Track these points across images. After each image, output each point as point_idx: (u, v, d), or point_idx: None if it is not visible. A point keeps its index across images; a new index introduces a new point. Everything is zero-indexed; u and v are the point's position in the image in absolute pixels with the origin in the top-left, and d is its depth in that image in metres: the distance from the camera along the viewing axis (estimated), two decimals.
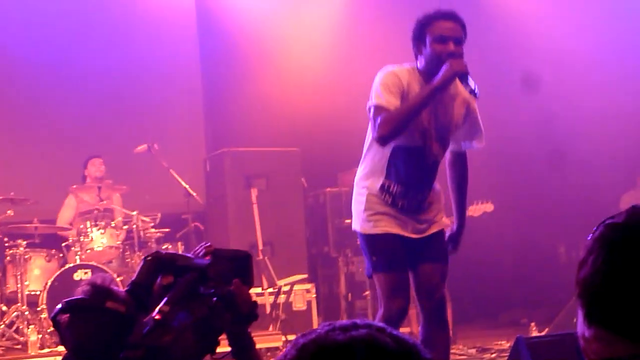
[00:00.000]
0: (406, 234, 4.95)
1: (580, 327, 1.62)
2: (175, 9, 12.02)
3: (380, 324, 1.33)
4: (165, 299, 2.75)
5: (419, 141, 4.89)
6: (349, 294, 10.23)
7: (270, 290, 9.62)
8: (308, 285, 10.05)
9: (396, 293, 4.92)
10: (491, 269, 10.96)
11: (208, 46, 11.93)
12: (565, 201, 10.61)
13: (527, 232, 10.65)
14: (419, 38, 4.90)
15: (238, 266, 2.94)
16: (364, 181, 5.02)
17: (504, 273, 11.17)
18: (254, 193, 10.04)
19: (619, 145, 10.75)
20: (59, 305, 2.94)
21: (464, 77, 4.72)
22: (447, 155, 5.18)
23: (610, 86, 10.98)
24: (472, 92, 4.73)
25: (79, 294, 2.95)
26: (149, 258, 2.89)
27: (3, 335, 8.73)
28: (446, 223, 5.20)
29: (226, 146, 10.59)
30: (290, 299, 9.75)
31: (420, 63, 4.91)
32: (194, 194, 9.67)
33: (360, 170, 5.10)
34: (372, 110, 4.80)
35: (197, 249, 3.03)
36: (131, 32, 11.65)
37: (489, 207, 9.18)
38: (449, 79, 4.74)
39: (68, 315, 2.90)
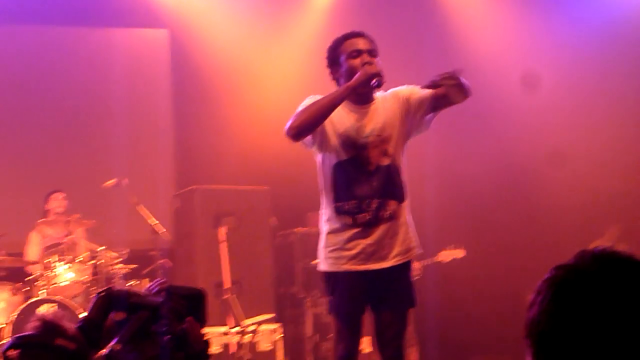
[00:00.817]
0: (368, 267, 4.89)
1: None
2: (149, 44, 12.05)
3: None
4: (117, 337, 2.72)
5: (351, 152, 4.92)
6: (316, 335, 10.18)
7: (237, 329, 9.55)
8: (274, 325, 9.99)
9: (343, 337, 4.91)
10: (461, 314, 10.94)
11: (181, 82, 11.93)
12: (535, 248, 10.62)
13: (499, 278, 10.65)
14: (333, 61, 5.07)
15: (192, 304, 2.91)
16: (325, 220, 5.04)
17: (475, 318, 11.16)
18: (222, 231, 9.99)
19: (587, 194, 10.79)
20: (9, 340, 2.91)
21: (377, 77, 4.82)
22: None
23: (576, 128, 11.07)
24: (376, 82, 4.83)
25: (29, 329, 2.92)
26: (102, 294, 2.86)
27: None
28: (415, 259, 5.17)
29: (196, 183, 10.57)
30: (256, 339, 9.68)
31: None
32: (163, 230, 9.62)
33: (320, 210, 5.13)
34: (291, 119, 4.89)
35: (151, 285, 3.00)
36: (103, 66, 11.64)
37: (459, 253, 9.20)
38: (362, 81, 4.82)
39: (18, 350, 2.86)
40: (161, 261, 9.65)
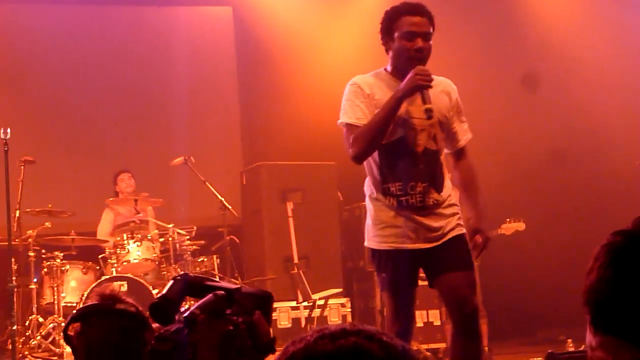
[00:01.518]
0: (417, 246, 4.78)
1: (588, 336, 1.60)
2: (213, 23, 12.11)
3: (373, 330, 1.32)
4: (196, 305, 2.75)
5: (400, 133, 4.78)
6: (384, 309, 10.17)
7: (305, 304, 9.61)
8: (343, 300, 10.03)
9: (397, 314, 4.82)
10: (529, 286, 10.86)
11: (245, 60, 11.98)
12: (594, 217, 10.49)
13: (565, 249, 10.55)
14: (387, 33, 4.88)
15: (260, 303, 2.92)
16: (369, 194, 4.93)
17: (542, 290, 11.07)
18: (289, 206, 10.04)
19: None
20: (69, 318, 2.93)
21: (423, 91, 4.70)
22: (449, 160, 5.07)
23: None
24: (426, 110, 4.70)
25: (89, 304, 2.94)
26: (178, 278, 2.88)
27: (39, 347, 8.78)
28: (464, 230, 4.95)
29: (262, 160, 10.62)
30: (325, 313, 9.74)
31: (390, 59, 4.89)
32: (230, 207, 9.69)
33: (365, 185, 5.02)
34: (342, 128, 4.85)
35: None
36: (168, 45, 11.74)
37: (520, 225, 9.12)
38: (410, 90, 4.67)
39: (79, 323, 2.88)
40: (229, 237, 9.72)
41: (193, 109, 11.67)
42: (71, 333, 2.89)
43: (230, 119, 12.04)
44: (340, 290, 10.00)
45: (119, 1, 11.79)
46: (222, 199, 9.61)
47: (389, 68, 4.90)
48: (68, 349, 8.48)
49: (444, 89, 4.95)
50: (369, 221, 4.92)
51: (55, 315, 8.90)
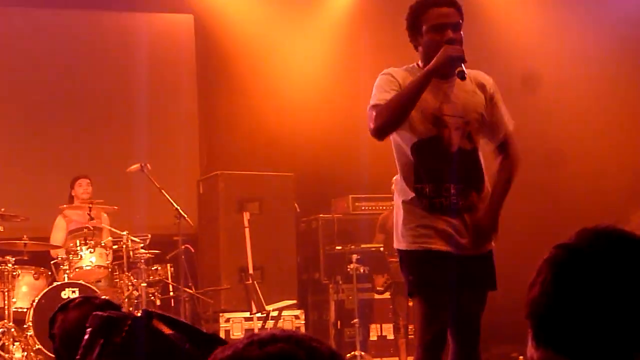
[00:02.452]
0: (449, 249, 4.58)
1: (529, 350, 1.59)
2: (174, 30, 12.07)
3: (303, 336, 1.30)
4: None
5: (432, 130, 4.59)
6: (338, 322, 10.17)
7: (259, 315, 9.56)
8: (297, 311, 10.01)
9: (433, 318, 4.59)
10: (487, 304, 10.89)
11: (206, 68, 11.95)
12: (558, 236, 10.53)
13: (518, 263, 10.58)
14: (414, 28, 4.65)
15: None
16: (400, 194, 4.71)
17: (495, 306, 11.07)
18: (246, 216, 9.99)
19: (611, 180, 10.71)
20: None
21: (459, 61, 4.47)
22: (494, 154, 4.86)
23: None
24: (459, 73, 4.48)
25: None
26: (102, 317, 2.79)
27: None
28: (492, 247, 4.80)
29: (220, 169, 10.57)
30: (279, 325, 9.69)
31: (420, 56, 4.68)
32: (185, 216, 9.62)
33: (395, 185, 4.82)
34: (369, 111, 4.57)
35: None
36: (129, 52, 11.66)
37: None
38: (442, 63, 4.45)
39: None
40: (184, 246, 9.65)
41: (152, 116, 11.60)
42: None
43: (189, 128, 11.98)
44: (294, 301, 9.97)
45: (79, 5, 11.69)
46: (178, 207, 9.53)
47: (420, 64, 4.68)
48: (17, 355, 8.39)
49: (477, 82, 4.74)
50: (398, 221, 4.71)
51: (5, 321, 8.77)
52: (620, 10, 11.15)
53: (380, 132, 4.52)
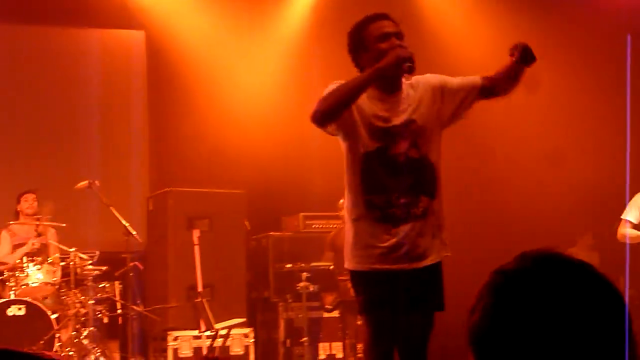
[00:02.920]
0: (398, 267, 4.60)
1: None
2: (125, 45, 12.00)
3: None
4: None
5: (379, 142, 4.64)
6: (287, 340, 10.14)
7: (208, 333, 9.50)
8: (246, 330, 9.96)
9: (380, 338, 4.64)
10: (440, 321, 10.90)
11: (156, 85, 11.89)
12: (507, 256, 10.60)
13: (469, 286, 10.64)
14: (358, 47, 4.73)
15: None
16: (352, 214, 4.73)
17: (446, 327, 11.12)
18: (195, 234, 9.94)
19: (560, 201, 10.80)
20: None
21: (407, 61, 4.53)
22: (488, 86, 4.86)
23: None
24: (409, 68, 4.53)
25: None
26: None
27: None
28: (447, 254, 4.82)
29: (170, 185, 10.50)
30: (228, 343, 9.65)
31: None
32: (134, 233, 9.55)
33: (345, 202, 4.83)
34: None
35: None
36: (80, 67, 11.59)
37: None
38: (392, 64, 4.52)
39: None
40: (132, 263, 9.58)
41: (102, 132, 11.53)
42: None
43: (139, 144, 11.91)
44: (243, 320, 9.93)
45: (29, 21, 11.59)
46: (127, 224, 9.47)
47: None
48: None
49: (423, 87, 4.77)
50: (348, 241, 4.73)
51: None
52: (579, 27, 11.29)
53: (321, 115, 4.56)
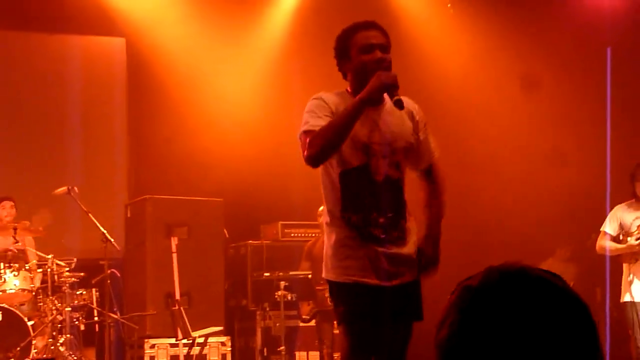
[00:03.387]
0: (378, 283, 4.58)
1: None
2: (105, 52, 11.98)
3: None
4: None
5: (361, 159, 4.58)
6: (265, 349, 10.14)
7: (185, 341, 9.48)
8: (223, 338, 9.95)
9: (358, 349, 4.59)
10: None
11: (136, 92, 11.87)
12: (480, 268, 10.61)
13: (446, 295, 10.66)
14: (343, 54, 4.69)
15: None
16: (332, 229, 4.68)
17: (423, 336, 11.13)
18: (174, 242, 9.91)
19: (538, 212, 10.83)
20: None
21: (392, 88, 4.49)
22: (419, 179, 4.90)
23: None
24: (396, 102, 4.50)
25: None
26: None
27: None
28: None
29: (149, 193, 10.49)
30: (205, 351, 9.63)
31: (350, 82, 4.69)
32: (112, 240, 9.53)
33: (324, 215, 4.80)
34: (300, 136, 4.54)
35: None
36: (60, 73, 11.56)
37: None
38: (377, 90, 4.48)
39: None
40: (110, 271, 9.56)
41: (81, 139, 11.49)
42: None
43: (118, 151, 11.88)
44: (221, 328, 9.91)
45: (11, 27, 11.55)
46: (104, 231, 9.44)
47: (350, 89, 4.68)
48: None
49: (406, 110, 4.71)
50: (328, 252, 4.69)
51: None
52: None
53: (315, 160, 4.49)
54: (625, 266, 8.07)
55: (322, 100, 4.61)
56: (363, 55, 4.59)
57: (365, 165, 4.60)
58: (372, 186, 4.61)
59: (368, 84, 4.49)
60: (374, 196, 4.61)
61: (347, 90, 4.70)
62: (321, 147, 4.44)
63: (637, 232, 7.87)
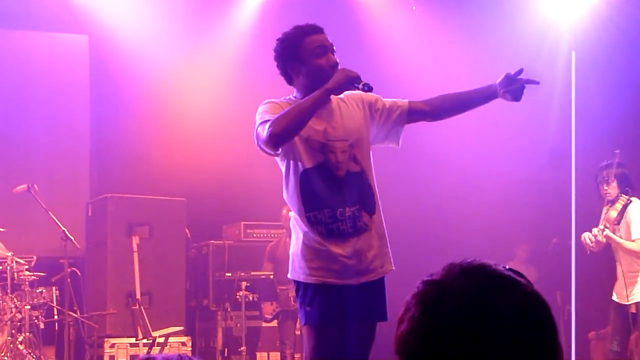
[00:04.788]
0: (346, 282, 4.60)
1: None
2: (68, 50, 11.88)
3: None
4: None
5: (319, 157, 4.61)
6: (226, 349, 10.12)
7: (145, 340, 9.44)
8: (184, 338, 9.92)
9: (323, 350, 4.60)
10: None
11: (99, 90, 11.79)
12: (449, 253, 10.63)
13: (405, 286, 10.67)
14: (291, 57, 4.69)
15: None
16: (298, 228, 4.70)
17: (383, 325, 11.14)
18: (135, 241, 9.87)
19: (497, 214, 10.88)
20: None
21: (356, 80, 4.54)
22: (428, 110, 4.87)
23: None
24: (365, 86, 4.52)
25: None
26: None
27: None
28: (391, 269, 4.80)
29: (111, 192, 10.42)
30: (165, 351, 9.57)
31: (298, 88, 4.72)
32: (72, 238, 9.45)
33: (290, 215, 4.81)
34: (257, 130, 4.55)
35: None
36: (22, 71, 11.45)
37: None
38: (341, 82, 4.53)
39: None
40: (70, 269, 9.48)
41: (42, 136, 11.38)
42: None
43: (80, 149, 11.78)
44: (181, 328, 9.88)
45: None
46: (65, 229, 9.37)
47: (297, 95, 4.70)
48: None
49: (353, 101, 4.78)
50: (296, 252, 4.70)
51: None
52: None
53: (277, 138, 4.47)
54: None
55: (273, 103, 4.64)
56: (317, 59, 4.63)
57: (325, 162, 4.62)
58: (335, 182, 4.63)
59: (333, 77, 4.53)
60: (338, 191, 4.63)
61: (292, 96, 4.74)
62: (284, 126, 4.43)
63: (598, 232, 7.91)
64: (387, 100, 4.87)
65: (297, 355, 9.51)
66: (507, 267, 1.67)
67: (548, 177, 10.29)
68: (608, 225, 7.85)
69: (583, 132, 9.25)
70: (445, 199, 11.09)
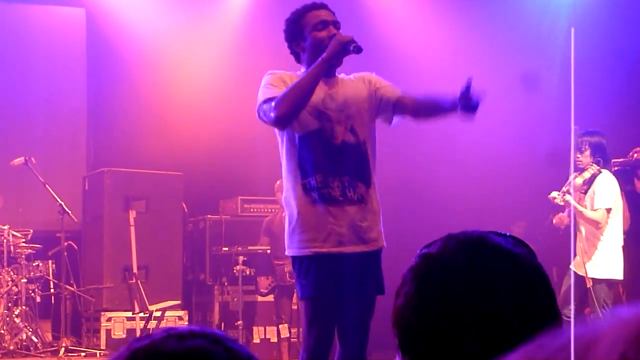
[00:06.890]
0: (338, 250, 4.63)
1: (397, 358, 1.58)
2: (65, 22, 11.83)
3: (220, 334, 1.29)
4: None
5: (316, 124, 4.67)
6: (222, 323, 10.12)
7: (142, 315, 9.45)
8: (181, 312, 9.93)
9: (318, 322, 4.62)
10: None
11: (96, 63, 11.75)
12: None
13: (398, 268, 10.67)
14: (295, 34, 4.79)
15: None
16: (291, 199, 4.73)
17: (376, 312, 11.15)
18: (132, 215, 9.87)
19: (494, 190, 10.87)
20: None
21: (350, 44, 4.58)
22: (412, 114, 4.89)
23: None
24: (355, 48, 4.56)
25: None
26: None
27: None
28: (383, 246, 4.81)
29: (108, 165, 10.40)
30: (162, 325, 9.59)
31: (305, 62, 4.77)
32: (69, 212, 9.45)
33: (284, 187, 4.87)
34: (261, 106, 4.63)
35: None
36: (19, 43, 11.41)
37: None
38: (338, 50, 4.59)
39: None
40: (66, 243, 9.49)
41: (40, 109, 11.36)
42: None
43: (77, 123, 11.75)
44: (178, 302, 9.89)
45: None
46: (62, 203, 9.37)
47: (303, 70, 4.75)
48: None
49: (359, 78, 4.87)
50: (289, 226, 4.73)
51: None
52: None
53: (284, 119, 4.57)
54: None
55: (277, 75, 4.72)
56: (318, 32, 4.70)
57: (320, 129, 4.68)
58: (330, 149, 4.69)
59: (328, 47, 4.60)
60: (333, 158, 4.68)
61: (302, 72, 4.76)
62: (289, 106, 4.53)
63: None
64: (389, 86, 4.89)
65: (293, 330, 9.52)
66: (509, 234, 1.65)
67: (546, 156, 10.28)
68: (572, 191, 7.78)
69: (582, 107, 9.22)
70: (444, 175, 11.07)
